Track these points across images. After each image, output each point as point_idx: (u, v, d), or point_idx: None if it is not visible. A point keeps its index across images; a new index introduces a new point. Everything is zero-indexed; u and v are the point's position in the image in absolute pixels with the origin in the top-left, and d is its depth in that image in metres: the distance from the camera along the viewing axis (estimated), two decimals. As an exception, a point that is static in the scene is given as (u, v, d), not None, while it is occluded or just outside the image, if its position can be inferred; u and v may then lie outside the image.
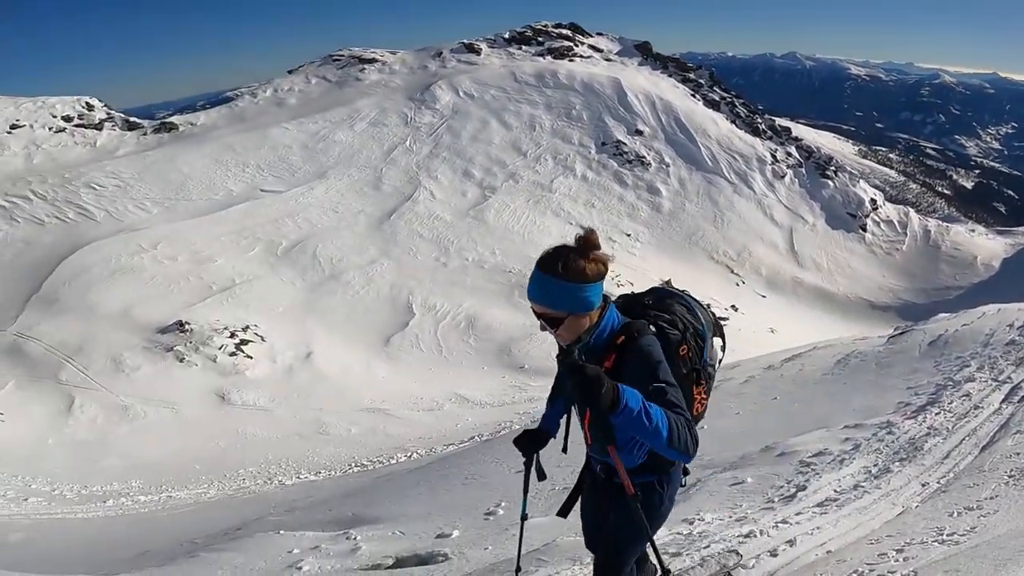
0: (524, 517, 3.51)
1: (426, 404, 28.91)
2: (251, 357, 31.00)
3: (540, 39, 76.77)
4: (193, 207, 45.13)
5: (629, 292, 3.27)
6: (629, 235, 53.96)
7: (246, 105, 64.31)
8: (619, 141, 61.73)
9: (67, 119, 56.24)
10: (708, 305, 3.30)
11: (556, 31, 78.30)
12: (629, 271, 43.69)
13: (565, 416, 3.26)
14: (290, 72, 71.66)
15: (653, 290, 3.21)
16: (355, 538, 7.33)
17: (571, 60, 73.01)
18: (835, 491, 6.10)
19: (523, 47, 75.15)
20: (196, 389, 28.51)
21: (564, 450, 3.15)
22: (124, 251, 37.67)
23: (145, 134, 57.68)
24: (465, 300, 38.91)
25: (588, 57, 74.68)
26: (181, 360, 29.87)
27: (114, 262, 36.77)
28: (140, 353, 30.04)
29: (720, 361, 3.26)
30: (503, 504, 8.00)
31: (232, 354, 30.89)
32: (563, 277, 2.73)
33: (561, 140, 60.83)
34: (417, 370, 32.65)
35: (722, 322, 3.37)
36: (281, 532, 8.34)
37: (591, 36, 79.66)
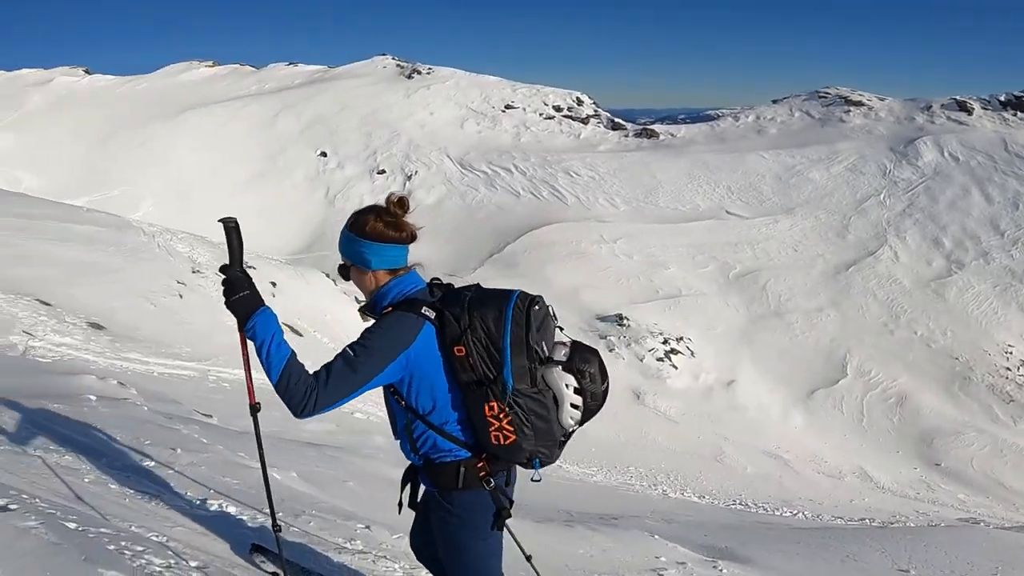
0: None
1: (828, 468, 27.23)
2: (676, 367, 31.50)
3: (1044, 107, 66.91)
4: (659, 213, 46.75)
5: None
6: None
7: (727, 127, 65.04)
8: None
9: (557, 109, 61.54)
10: (559, 329, 2.89)
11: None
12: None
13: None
14: (775, 102, 71.07)
15: (478, 286, 2.89)
16: (722, 570, 7.23)
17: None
18: None
19: (1019, 113, 66.59)
20: (616, 380, 28.83)
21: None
22: (586, 237, 40.27)
23: (627, 135, 61.08)
24: (901, 375, 35.79)
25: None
26: (611, 351, 31.07)
27: (574, 245, 39.49)
28: (575, 332, 31.47)
29: (576, 418, 2.83)
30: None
31: (660, 359, 31.59)
32: (348, 227, 2.86)
33: (1047, 227, 52.98)
34: (831, 431, 30.80)
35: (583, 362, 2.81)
36: (655, 536, 8.25)
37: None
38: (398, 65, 70.57)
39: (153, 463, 5.62)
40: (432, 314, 2.73)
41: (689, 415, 28.51)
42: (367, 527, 5.16)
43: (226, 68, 76.90)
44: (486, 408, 2.69)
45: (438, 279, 2.94)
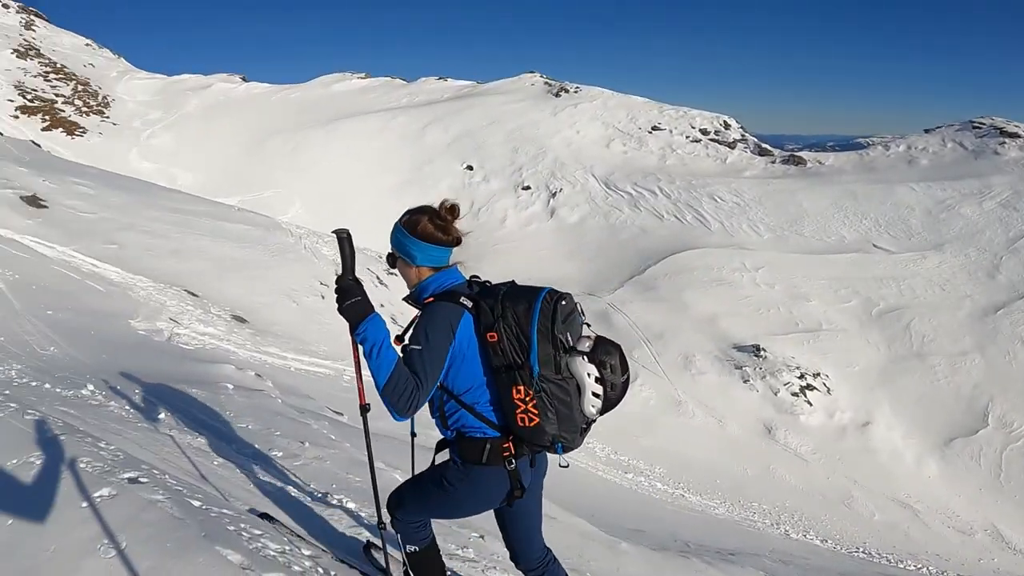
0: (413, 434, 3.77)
1: (959, 523, 26.33)
2: (810, 404, 31.04)
3: None
4: (803, 243, 45.93)
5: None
6: None
7: (876, 156, 62.97)
8: None
9: (704, 132, 61.01)
10: (586, 325, 3.15)
11: None
12: None
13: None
14: (927, 131, 68.26)
15: (512, 282, 3.17)
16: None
17: None
18: None
19: None
20: (748, 412, 29.56)
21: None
22: (728, 264, 40.10)
23: (773, 162, 60.02)
24: (1047, 430, 34.29)
25: None
26: (745, 381, 31.07)
27: (715, 271, 39.38)
28: (711, 360, 32.00)
29: (596, 406, 3.05)
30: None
31: (795, 394, 31.18)
32: (402, 223, 3.15)
33: None
34: (965, 484, 29.70)
35: (605, 353, 3.07)
36: (772, 577, 8.42)
37: None
38: (546, 83, 71.58)
39: (281, 453, 5.99)
40: (470, 304, 3.03)
41: (819, 454, 28.18)
42: (481, 536, 5.27)
43: (378, 80, 79.95)
44: (514, 391, 2.97)
45: (476, 276, 3.25)
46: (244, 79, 78.23)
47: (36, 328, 10.59)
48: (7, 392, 5.70)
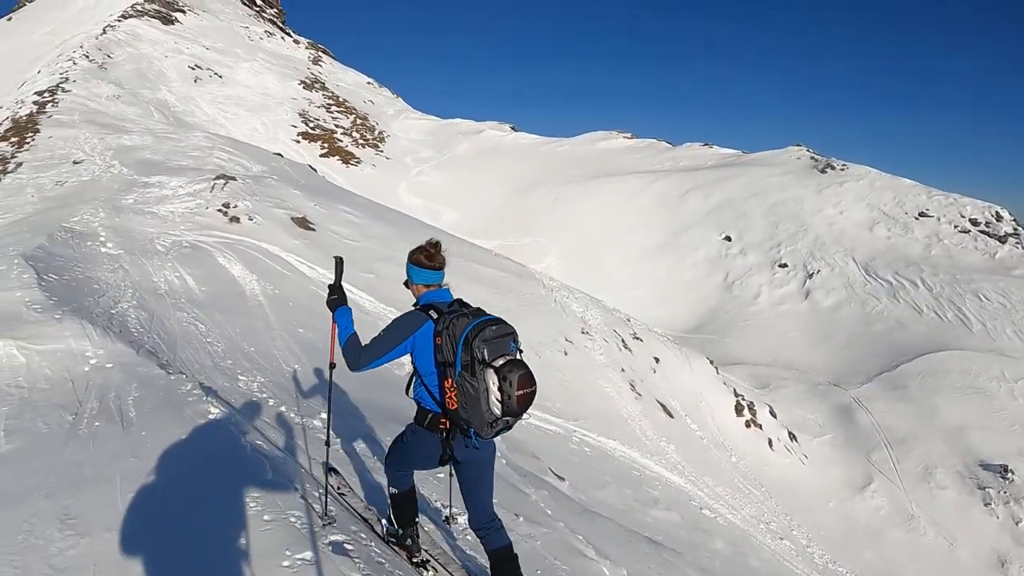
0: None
1: None
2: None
3: None
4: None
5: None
6: None
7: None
8: None
9: (974, 222, 56.40)
10: (519, 351, 4.21)
11: None
12: None
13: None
14: None
15: (474, 308, 4.34)
16: None
17: None
18: None
19: None
20: (983, 539, 27.31)
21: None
22: (985, 371, 37.26)
23: (1043, 261, 54.92)
24: None
25: None
26: (986, 504, 28.68)
27: (971, 377, 36.76)
28: (952, 475, 29.97)
29: (497, 408, 4.02)
30: None
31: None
32: (408, 256, 4.54)
33: None
34: None
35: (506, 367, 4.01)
36: None
37: None
38: (812, 157, 69.84)
39: (494, 527, 6.83)
40: (435, 315, 4.27)
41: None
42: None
43: (644, 142, 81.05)
44: (446, 381, 4.16)
45: (461, 299, 4.44)
46: (514, 128, 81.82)
47: (285, 344, 11.95)
48: (242, 408, 7.28)
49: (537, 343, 21.54)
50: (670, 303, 50.82)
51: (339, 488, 5.65)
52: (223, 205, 22.46)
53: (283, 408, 7.99)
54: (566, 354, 22.14)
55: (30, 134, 34.21)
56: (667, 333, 37.42)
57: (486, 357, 4.00)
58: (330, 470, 5.64)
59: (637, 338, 28.58)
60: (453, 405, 4.14)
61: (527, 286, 27.25)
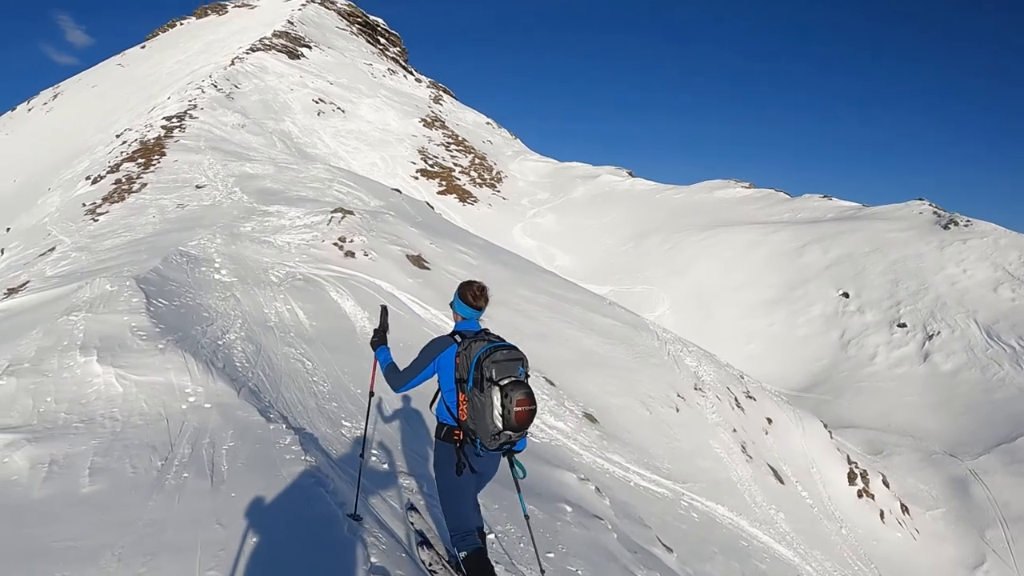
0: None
1: None
2: None
3: None
4: None
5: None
6: None
7: None
8: None
9: None
10: (514, 364, 4.60)
11: None
12: None
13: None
14: None
15: (493, 336, 4.78)
16: None
17: None
18: None
19: None
20: None
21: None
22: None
23: None
24: None
25: None
26: None
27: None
28: None
29: (499, 422, 4.45)
30: None
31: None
32: (457, 288, 4.97)
33: None
34: None
35: (509, 390, 4.45)
36: None
37: None
38: (935, 213, 67.66)
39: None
40: (459, 339, 4.70)
41: None
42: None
43: (762, 192, 79.46)
44: (460, 395, 4.57)
45: (487, 329, 4.86)
46: (631, 174, 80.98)
47: (384, 387, 11.71)
48: (340, 461, 7.32)
49: (648, 398, 20.82)
50: (782, 360, 49.73)
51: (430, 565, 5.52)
52: (339, 239, 22.09)
53: (386, 465, 7.82)
54: (678, 410, 21.44)
55: (156, 157, 35.17)
56: (780, 391, 37.16)
57: (494, 376, 4.46)
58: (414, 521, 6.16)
59: (750, 397, 27.82)
60: (463, 416, 4.61)
61: (640, 337, 26.38)
